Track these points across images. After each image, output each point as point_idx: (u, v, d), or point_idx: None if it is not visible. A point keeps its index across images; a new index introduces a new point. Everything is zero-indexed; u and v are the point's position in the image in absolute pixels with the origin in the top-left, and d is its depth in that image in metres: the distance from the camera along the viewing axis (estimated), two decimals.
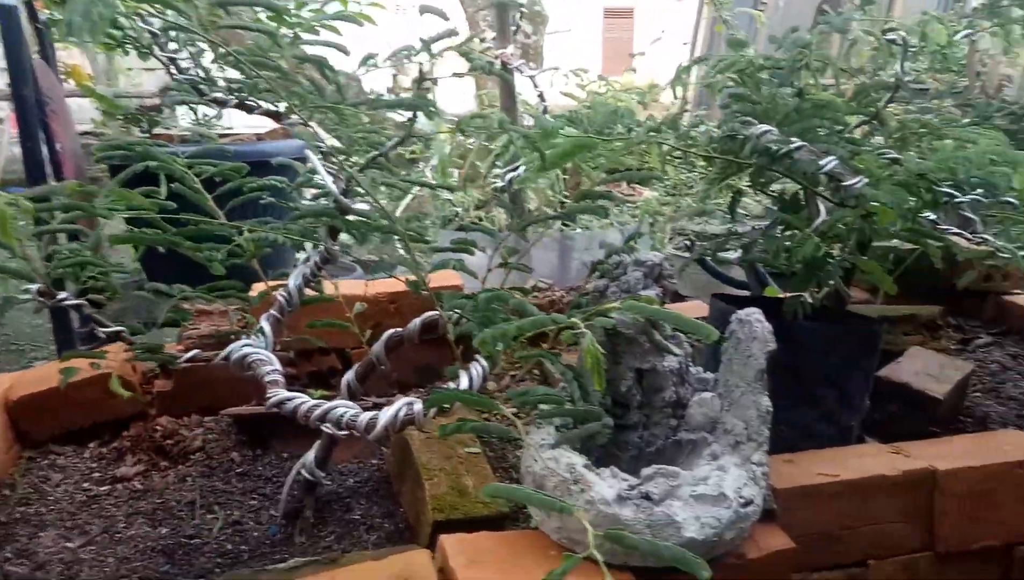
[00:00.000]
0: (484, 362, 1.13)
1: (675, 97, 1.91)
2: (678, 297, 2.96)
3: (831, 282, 1.54)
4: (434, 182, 2.66)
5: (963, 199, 1.71)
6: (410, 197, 4.01)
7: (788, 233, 1.51)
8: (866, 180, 1.40)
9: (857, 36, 1.46)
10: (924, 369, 1.70)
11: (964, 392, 1.78)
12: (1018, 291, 2.38)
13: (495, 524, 1.31)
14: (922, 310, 1.99)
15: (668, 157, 1.76)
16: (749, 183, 1.55)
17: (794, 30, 1.60)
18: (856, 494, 1.22)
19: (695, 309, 2.14)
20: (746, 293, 2.05)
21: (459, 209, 3.44)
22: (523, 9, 2.60)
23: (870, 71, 1.66)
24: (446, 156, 3.22)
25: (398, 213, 3.79)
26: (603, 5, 19.45)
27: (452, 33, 1.23)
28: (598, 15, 19.45)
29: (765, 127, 1.47)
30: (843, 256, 1.52)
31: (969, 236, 2.03)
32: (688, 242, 3.97)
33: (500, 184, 2.24)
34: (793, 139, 1.42)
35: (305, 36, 1.34)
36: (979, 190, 1.75)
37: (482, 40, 2.69)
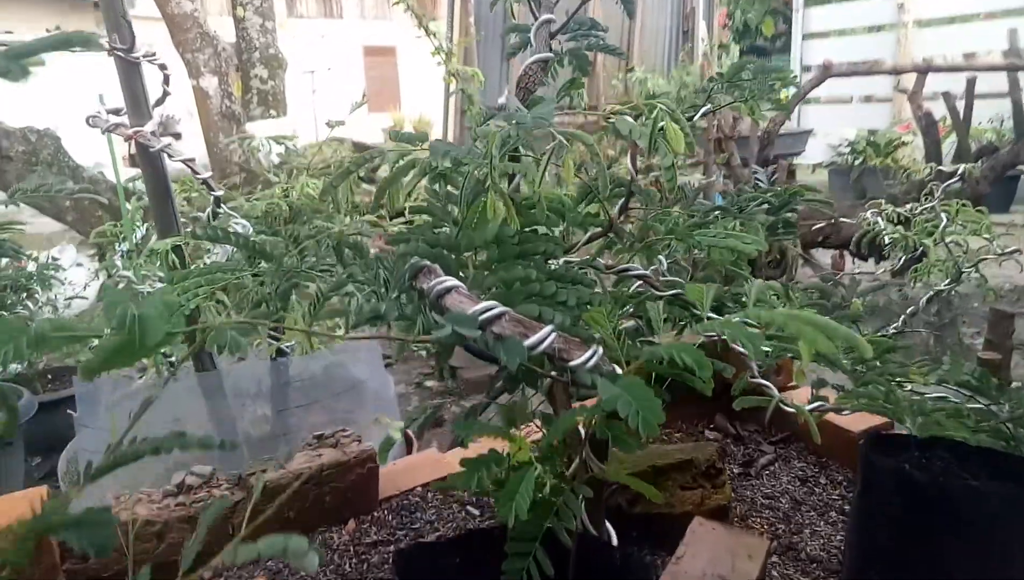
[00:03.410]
0: None
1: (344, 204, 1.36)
2: None
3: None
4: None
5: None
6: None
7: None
8: (599, 354, 0.89)
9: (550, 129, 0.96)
10: (711, 566, 1.25)
11: (763, 577, 1.36)
12: (794, 384, 2.07)
13: None
14: (698, 453, 1.57)
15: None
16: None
17: (500, 108, 1.10)
18: None
19: None
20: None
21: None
22: (166, 72, 1.92)
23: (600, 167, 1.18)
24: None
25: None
26: (362, 44, 19.12)
27: None
28: (359, 54, 19.16)
29: (449, 282, 0.93)
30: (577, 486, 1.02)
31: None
32: None
33: None
34: (489, 303, 0.89)
35: None
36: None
37: (117, 112, 1.96)
